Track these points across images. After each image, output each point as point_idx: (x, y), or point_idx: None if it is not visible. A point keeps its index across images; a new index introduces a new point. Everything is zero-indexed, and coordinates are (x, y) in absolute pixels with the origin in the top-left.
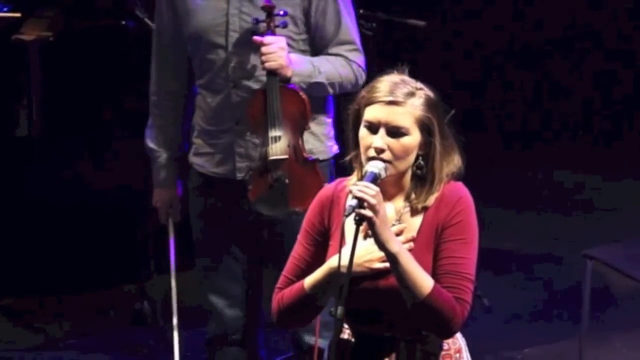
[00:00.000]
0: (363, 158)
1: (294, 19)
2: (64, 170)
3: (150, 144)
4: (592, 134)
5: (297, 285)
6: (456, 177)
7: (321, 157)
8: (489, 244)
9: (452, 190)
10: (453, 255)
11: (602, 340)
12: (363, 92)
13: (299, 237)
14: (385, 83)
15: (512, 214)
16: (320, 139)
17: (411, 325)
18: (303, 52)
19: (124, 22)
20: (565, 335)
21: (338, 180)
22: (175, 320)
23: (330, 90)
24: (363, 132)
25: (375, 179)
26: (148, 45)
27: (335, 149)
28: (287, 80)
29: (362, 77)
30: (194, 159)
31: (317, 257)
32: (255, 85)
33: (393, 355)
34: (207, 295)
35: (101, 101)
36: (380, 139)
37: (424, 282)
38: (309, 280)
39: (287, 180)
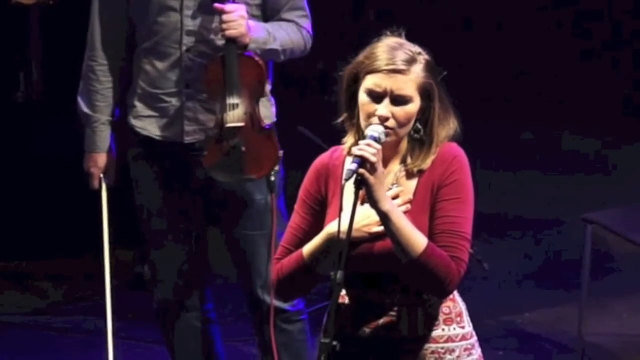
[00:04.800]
0: (364, 124)
1: None
2: (61, 133)
3: (86, 109)
4: (596, 97)
5: (295, 255)
6: (454, 139)
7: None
8: (490, 209)
9: (447, 150)
10: (449, 214)
11: (602, 305)
12: (362, 58)
13: (296, 206)
14: (384, 49)
15: (511, 177)
16: (266, 105)
17: (411, 288)
18: (256, 17)
19: None
20: (565, 300)
21: (333, 148)
22: (109, 302)
23: (282, 57)
24: (365, 99)
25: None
26: None
27: (275, 113)
28: (245, 47)
29: (310, 42)
30: (135, 122)
31: (315, 226)
32: (209, 50)
33: (394, 320)
34: (154, 262)
35: None
36: (385, 108)
37: (418, 240)
38: (308, 248)
39: (243, 148)
